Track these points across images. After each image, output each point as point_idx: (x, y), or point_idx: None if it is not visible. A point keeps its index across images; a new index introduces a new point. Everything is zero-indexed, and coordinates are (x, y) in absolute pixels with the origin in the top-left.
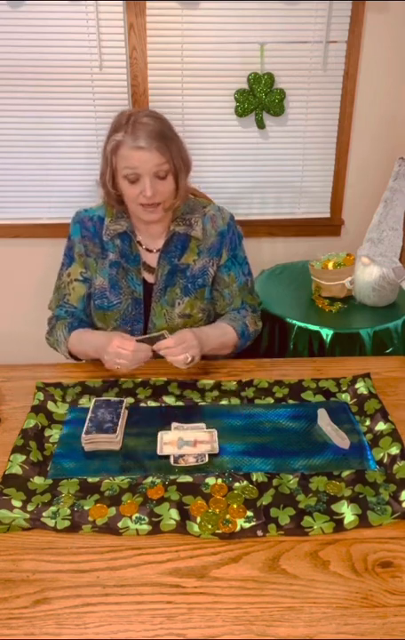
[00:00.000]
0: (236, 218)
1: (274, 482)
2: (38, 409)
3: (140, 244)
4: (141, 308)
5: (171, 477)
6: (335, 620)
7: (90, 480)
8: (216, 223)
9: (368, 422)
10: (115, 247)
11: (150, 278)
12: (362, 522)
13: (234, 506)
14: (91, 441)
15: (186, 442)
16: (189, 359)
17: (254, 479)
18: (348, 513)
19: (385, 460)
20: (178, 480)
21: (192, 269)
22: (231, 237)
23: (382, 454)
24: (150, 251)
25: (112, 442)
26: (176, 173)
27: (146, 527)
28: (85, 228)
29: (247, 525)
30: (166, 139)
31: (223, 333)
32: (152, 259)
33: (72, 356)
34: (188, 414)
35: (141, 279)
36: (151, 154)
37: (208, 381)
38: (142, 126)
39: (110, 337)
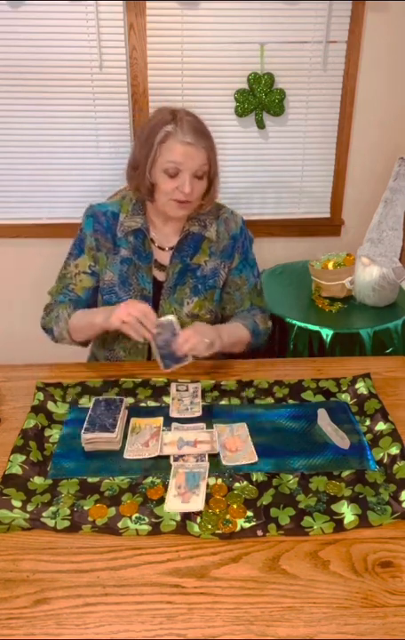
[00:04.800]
0: None
1: (274, 482)
2: (38, 409)
3: (153, 242)
4: (150, 306)
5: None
6: (335, 619)
7: (90, 480)
8: (229, 226)
9: (368, 422)
10: (127, 243)
11: (160, 276)
12: (362, 522)
13: (234, 506)
14: (91, 441)
15: (186, 442)
16: (208, 341)
17: (254, 479)
18: (348, 513)
19: (384, 460)
20: None
21: (203, 270)
22: (243, 241)
23: (382, 454)
24: (162, 249)
25: (112, 442)
26: (211, 176)
27: (146, 527)
28: (98, 223)
29: (247, 525)
30: (210, 140)
31: (235, 327)
32: (163, 256)
33: (68, 335)
34: None
35: (151, 277)
36: (198, 151)
37: (208, 381)
38: (189, 123)
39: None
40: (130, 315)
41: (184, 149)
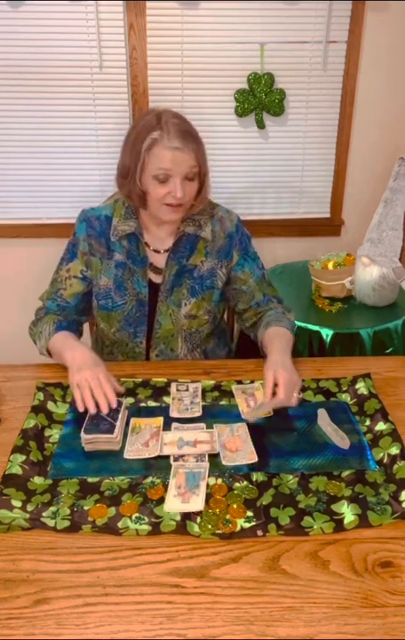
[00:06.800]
0: None
1: (274, 482)
2: (38, 409)
3: (148, 245)
4: (146, 310)
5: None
6: (335, 619)
7: (90, 480)
8: (224, 225)
9: (368, 422)
10: (122, 248)
11: (156, 279)
12: (362, 522)
13: (234, 506)
14: (91, 441)
15: (186, 442)
16: (300, 395)
17: (254, 479)
18: (348, 513)
19: (384, 460)
20: None
21: (199, 270)
22: (240, 238)
23: (382, 454)
24: (157, 251)
25: (112, 442)
26: (202, 176)
27: (146, 527)
28: (92, 227)
29: (247, 525)
30: (197, 141)
31: (286, 337)
32: (159, 259)
33: (48, 353)
34: None
35: (147, 281)
36: (186, 155)
37: (208, 381)
38: (174, 126)
39: (98, 364)
40: (87, 384)
41: (172, 155)
